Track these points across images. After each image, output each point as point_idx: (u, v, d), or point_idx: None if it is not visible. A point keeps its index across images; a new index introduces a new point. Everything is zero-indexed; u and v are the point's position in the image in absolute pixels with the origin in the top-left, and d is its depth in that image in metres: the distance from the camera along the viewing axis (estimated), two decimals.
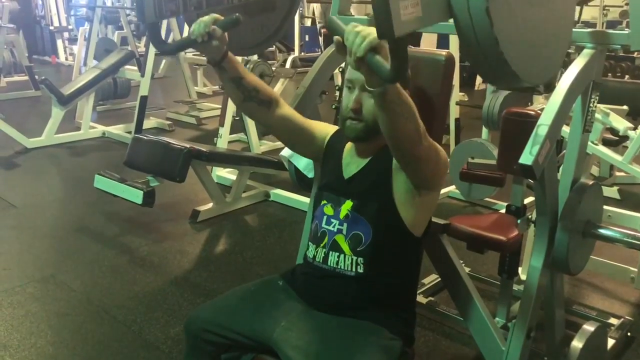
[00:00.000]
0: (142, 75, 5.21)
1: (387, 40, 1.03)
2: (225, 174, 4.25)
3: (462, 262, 1.98)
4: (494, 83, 2.60)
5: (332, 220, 1.55)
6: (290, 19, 2.13)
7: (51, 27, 10.53)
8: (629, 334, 2.38)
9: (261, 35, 2.07)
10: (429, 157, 1.38)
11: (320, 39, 9.27)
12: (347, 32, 1.13)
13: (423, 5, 1.07)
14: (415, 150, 1.33)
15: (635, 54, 7.31)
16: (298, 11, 8.02)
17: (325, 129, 1.72)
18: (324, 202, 1.60)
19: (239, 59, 4.21)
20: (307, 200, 2.54)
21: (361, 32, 1.11)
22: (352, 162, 1.59)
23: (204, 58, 1.52)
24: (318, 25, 9.30)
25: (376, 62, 1.10)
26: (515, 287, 2.45)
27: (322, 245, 1.56)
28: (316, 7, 9.16)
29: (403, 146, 1.33)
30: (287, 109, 1.64)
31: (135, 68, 5.63)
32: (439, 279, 2.58)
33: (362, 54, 1.10)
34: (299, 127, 1.66)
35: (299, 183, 2.11)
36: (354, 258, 1.50)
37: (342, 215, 1.54)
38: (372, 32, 1.09)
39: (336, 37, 1.17)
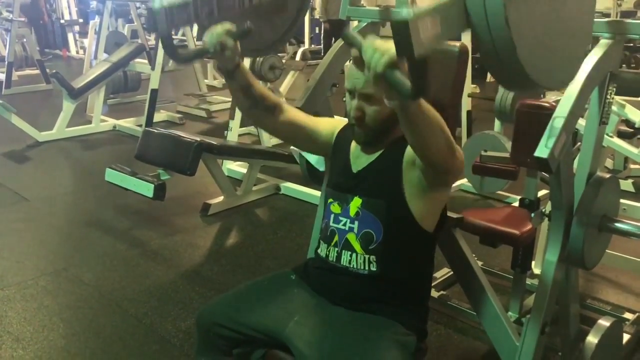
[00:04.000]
0: (153, 69, 5.21)
1: (407, 60, 1.01)
2: (236, 167, 4.24)
3: (474, 255, 1.96)
4: (511, 89, 2.56)
5: (341, 218, 1.54)
6: (301, 18, 2.12)
7: (62, 21, 10.57)
8: None
9: (272, 36, 2.07)
10: (457, 167, 1.36)
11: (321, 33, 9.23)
12: (365, 46, 1.10)
13: (442, 21, 1.05)
14: (445, 163, 1.32)
15: None
16: None
17: (332, 125, 1.70)
18: (330, 200, 1.59)
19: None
20: (317, 193, 2.52)
21: (380, 47, 1.08)
22: (361, 156, 1.57)
23: None
24: (320, 20, 9.23)
25: (396, 79, 1.07)
26: (528, 282, 2.43)
27: (333, 244, 1.54)
28: (318, 0, 9.01)
29: (432, 159, 1.31)
30: (290, 113, 1.63)
31: (146, 61, 5.63)
32: (451, 273, 2.55)
33: (381, 70, 1.07)
34: (304, 129, 1.65)
35: (310, 176, 2.10)
36: (366, 256, 1.49)
37: (352, 213, 1.52)
38: (390, 47, 1.05)
39: (353, 51, 1.14)
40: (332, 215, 1.56)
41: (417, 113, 1.17)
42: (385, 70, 1.07)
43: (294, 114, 1.64)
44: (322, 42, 9.41)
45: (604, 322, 1.87)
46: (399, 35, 0.99)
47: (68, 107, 5.26)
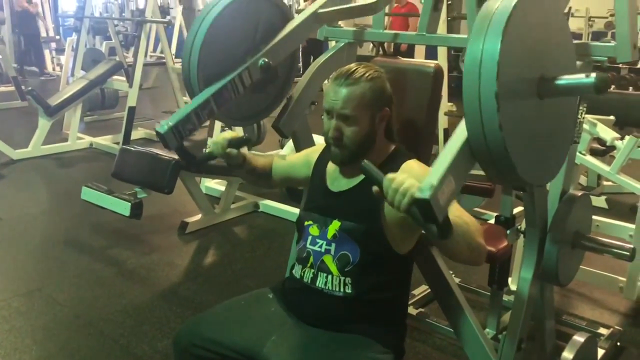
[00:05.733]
0: (130, 86, 5.19)
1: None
2: (214, 184, 4.23)
3: (452, 272, 1.97)
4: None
5: (318, 240, 1.54)
6: (291, 80, 2.21)
7: None
8: (618, 343, 2.39)
9: (263, 103, 2.17)
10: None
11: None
12: (385, 186, 1.12)
13: (454, 176, 1.10)
14: (470, 264, 1.38)
15: (620, 65, 7.40)
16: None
17: (306, 158, 1.73)
18: (309, 222, 1.59)
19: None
20: (296, 211, 2.51)
21: (400, 187, 1.09)
22: (339, 178, 1.58)
23: None
24: None
25: (421, 219, 1.09)
26: (505, 298, 2.45)
27: (308, 265, 1.54)
28: None
29: (465, 262, 1.37)
30: (279, 167, 1.79)
31: (123, 78, 5.60)
32: (429, 290, 2.57)
33: (404, 210, 1.09)
34: (291, 174, 1.79)
35: (289, 194, 2.11)
36: (342, 278, 1.48)
37: (329, 235, 1.52)
38: (410, 186, 1.08)
39: (375, 188, 1.15)
40: (310, 238, 1.56)
41: (447, 242, 1.21)
42: (409, 211, 1.09)
43: (281, 166, 1.79)
44: (300, 60, 9.46)
45: (579, 338, 1.89)
46: (422, 210, 1.05)
47: (44, 124, 5.19)
